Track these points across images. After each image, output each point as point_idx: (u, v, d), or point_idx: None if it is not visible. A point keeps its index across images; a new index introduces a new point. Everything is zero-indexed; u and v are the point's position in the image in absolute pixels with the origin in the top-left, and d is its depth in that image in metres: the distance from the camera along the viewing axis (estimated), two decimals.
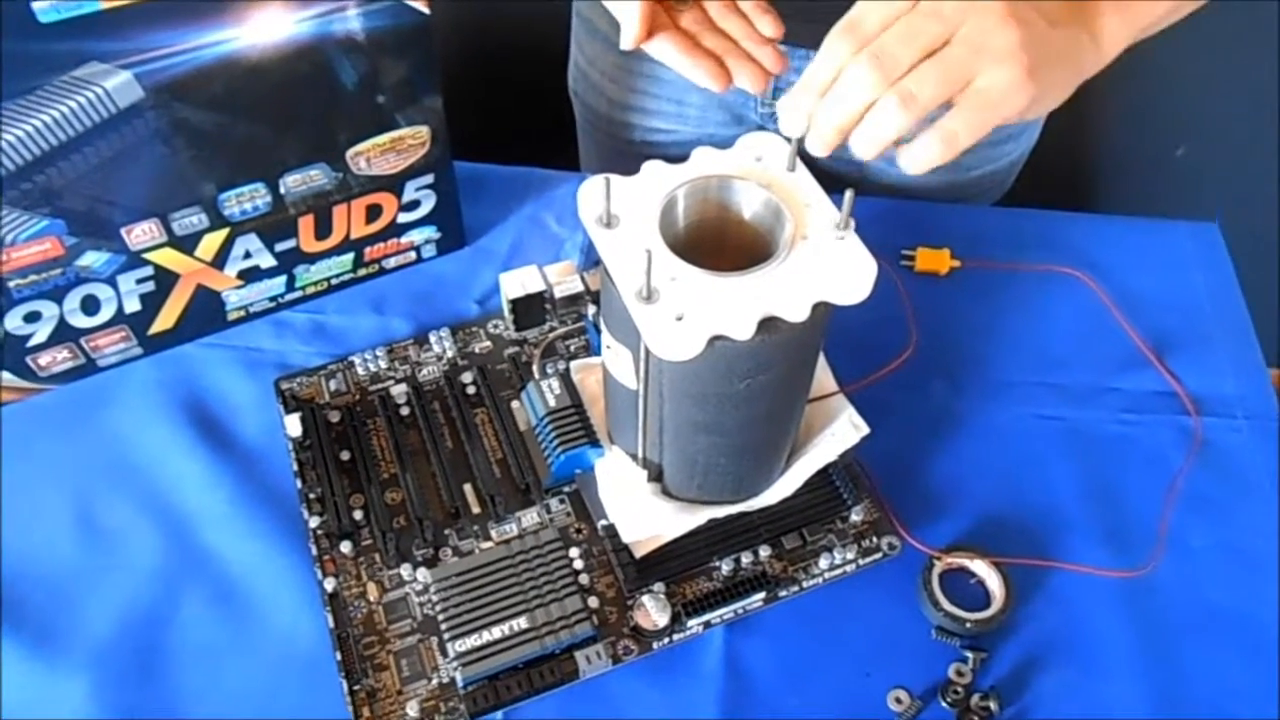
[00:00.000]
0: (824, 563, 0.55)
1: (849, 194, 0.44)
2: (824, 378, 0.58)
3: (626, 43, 0.50)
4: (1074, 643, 0.54)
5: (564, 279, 0.63)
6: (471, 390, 0.61)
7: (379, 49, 0.55)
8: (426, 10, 0.54)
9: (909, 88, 0.42)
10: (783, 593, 0.54)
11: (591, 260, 0.68)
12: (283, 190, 0.58)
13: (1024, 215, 0.74)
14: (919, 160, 0.44)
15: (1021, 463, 0.60)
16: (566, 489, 0.57)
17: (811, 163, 0.47)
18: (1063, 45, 0.45)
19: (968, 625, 0.53)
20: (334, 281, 0.66)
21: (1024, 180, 0.85)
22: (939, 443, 0.61)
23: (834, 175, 0.46)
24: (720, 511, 0.54)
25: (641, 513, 0.54)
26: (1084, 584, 0.56)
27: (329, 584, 0.53)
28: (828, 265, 0.44)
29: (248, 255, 0.61)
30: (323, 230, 0.62)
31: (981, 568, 0.55)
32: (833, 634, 0.54)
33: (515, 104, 1.17)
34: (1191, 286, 0.70)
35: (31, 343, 0.58)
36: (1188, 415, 0.63)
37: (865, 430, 0.55)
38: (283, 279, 0.64)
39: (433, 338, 0.63)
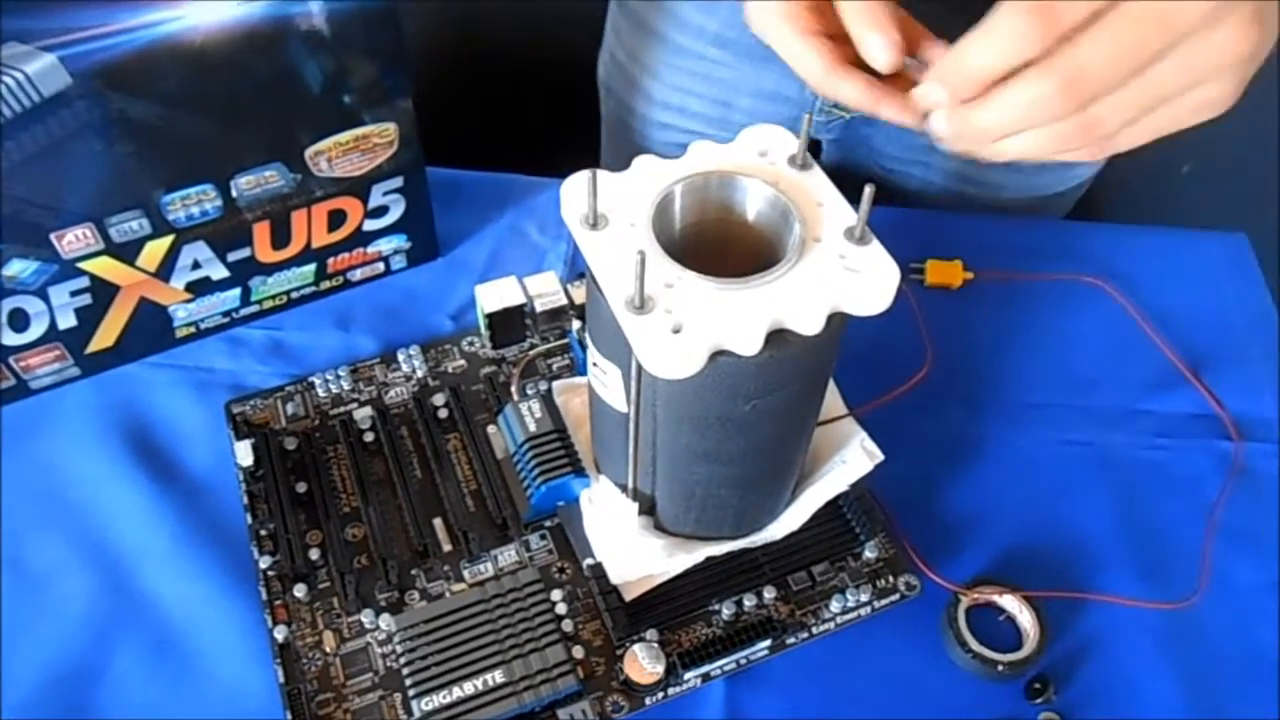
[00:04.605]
0: (835, 606, 0.49)
1: (868, 190, 0.39)
2: (831, 399, 0.53)
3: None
4: (1114, 688, 0.49)
5: (546, 292, 0.58)
6: (443, 414, 0.56)
7: (341, 35, 0.50)
8: None
9: (1101, 117, 0.33)
10: (790, 640, 0.49)
11: (576, 272, 0.63)
12: (235, 193, 0.53)
13: (1039, 225, 0.70)
14: (1048, 154, 0.35)
15: (1048, 491, 0.56)
16: (548, 524, 0.52)
17: (821, 158, 0.43)
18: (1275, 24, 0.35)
19: (1000, 668, 0.48)
20: (294, 295, 0.60)
21: None
22: (957, 470, 0.56)
23: (847, 175, 0.41)
24: (720, 548, 0.49)
25: (632, 550, 0.48)
26: (1122, 620, 0.51)
27: (280, 633, 0.48)
28: (844, 271, 0.39)
29: (196, 265, 0.55)
30: (280, 238, 0.57)
31: (1011, 603, 0.50)
32: (847, 685, 0.49)
33: (497, 107, 1.12)
34: (1221, 300, 0.65)
35: None
36: (1226, 440, 0.58)
37: (879, 457, 0.50)
38: (236, 292, 0.58)
39: (401, 356, 0.58)
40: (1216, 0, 0.32)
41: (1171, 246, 0.68)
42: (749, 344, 0.37)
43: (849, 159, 0.40)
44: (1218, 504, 0.55)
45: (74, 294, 0.53)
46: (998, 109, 0.34)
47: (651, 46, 0.72)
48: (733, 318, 0.37)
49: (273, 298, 0.60)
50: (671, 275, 0.38)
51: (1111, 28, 0.32)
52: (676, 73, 0.72)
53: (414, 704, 0.44)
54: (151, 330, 0.57)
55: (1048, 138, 0.34)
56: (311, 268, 0.59)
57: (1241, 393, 0.60)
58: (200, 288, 0.56)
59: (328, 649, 0.48)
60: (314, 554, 0.50)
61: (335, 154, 0.54)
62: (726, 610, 0.49)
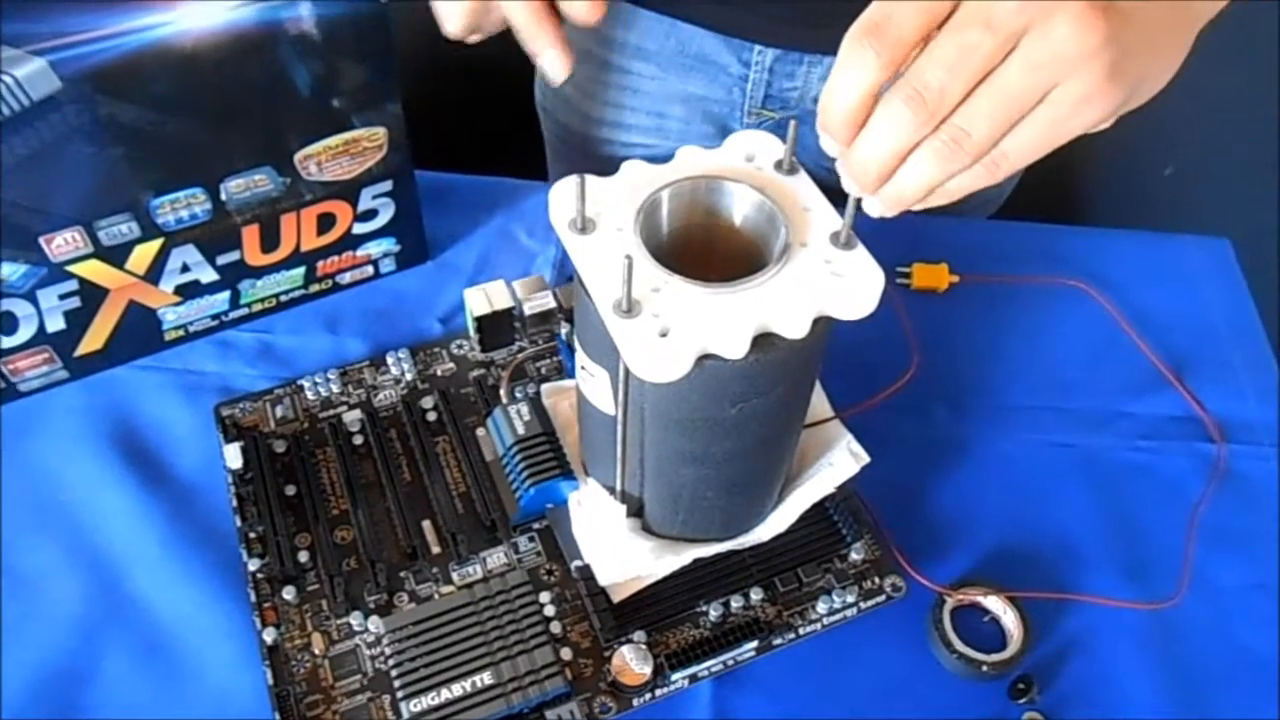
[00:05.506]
0: (822, 607, 0.50)
1: (853, 197, 0.39)
2: (818, 402, 0.53)
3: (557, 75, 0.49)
4: (1097, 688, 0.50)
5: (534, 295, 0.58)
6: (432, 417, 0.56)
7: (331, 40, 0.50)
8: None
9: (965, 128, 0.34)
10: (777, 641, 0.49)
11: (565, 275, 0.63)
12: (224, 196, 0.53)
13: (1025, 229, 0.70)
14: (951, 190, 0.36)
15: (1032, 493, 0.56)
16: (537, 526, 0.52)
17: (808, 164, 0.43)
18: (1163, 12, 0.36)
19: (984, 669, 0.48)
20: (283, 298, 0.61)
21: (1008, 203, 0.82)
22: (943, 472, 0.57)
23: (821, 182, 0.42)
24: (707, 550, 0.50)
25: (620, 552, 0.49)
26: (1105, 621, 0.51)
27: (269, 635, 0.48)
28: (829, 276, 0.39)
29: (186, 269, 0.55)
30: (270, 241, 0.57)
31: (996, 604, 0.50)
32: (833, 686, 0.49)
33: (486, 110, 1.12)
34: (1204, 304, 0.66)
35: None
36: (1208, 442, 0.58)
37: (866, 459, 0.50)
38: (226, 295, 0.58)
39: (390, 359, 0.58)
40: None
41: (1154, 250, 0.69)
42: (735, 347, 0.37)
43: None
44: (1199, 506, 0.56)
45: (63, 297, 0.53)
46: (867, 137, 0.35)
47: (579, 65, 0.73)
48: (719, 321, 0.37)
49: (262, 301, 0.60)
50: (658, 279, 0.39)
51: (941, 38, 0.34)
52: (607, 89, 0.73)
53: (402, 706, 0.44)
54: (140, 333, 0.57)
55: (931, 162, 0.35)
56: (301, 271, 0.60)
57: (1223, 395, 0.61)
58: (189, 291, 0.57)
59: (316, 651, 0.48)
60: (303, 556, 0.50)
61: (325, 157, 0.54)
62: (714, 612, 0.49)
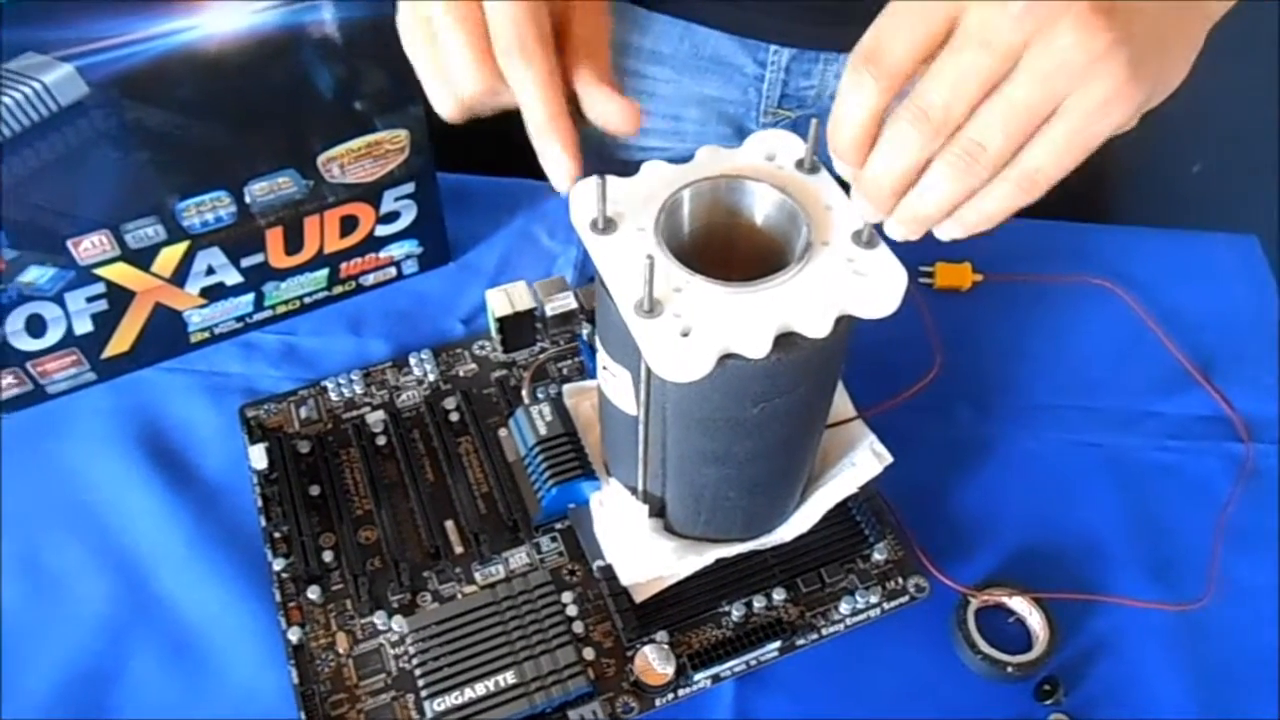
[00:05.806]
0: (845, 607, 0.50)
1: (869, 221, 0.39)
2: (840, 402, 0.53)
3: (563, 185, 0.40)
4: (1124, 689, 0.49)
5: (556, 296, 0.58)
6: (455, 417, 0.56)
7: (353, 43, 0.50)
8: None
9: (979, 141, 0.34)
10: (800, 641, 0.49)
11: (586, 276, 0.64)
12: (248, 199, 0.53)
13: (1049, 227, 0.69)
14: (988, 212, 0.36)
15: (1057, 493, 0.56)
16: (559, 526, 0.52)
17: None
18: (1170, 10, 0.35)
19: (1009, 670, 0.48)
20: (306, 300, 0.61)
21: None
22: (967, 472, 0.56)
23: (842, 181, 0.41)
24: (729, 550, 0.49)
25: (642, 552, 0.49)
26: (1132, 622, 0.51)
27: (293, 634, 0.48)
28: (851, 275, 0.39)
29: (211, 271, 0.56)
30: (293, 244, 0.57)
31: (1021, 604, 0.50)
32: (856, 687, 0.49)
33: (507, 112, 1.13)
34: (1232, 302, 0.65)
35: None
36: (1236, 441, 0.58)
37: (889, 459, 0.50)
38: (250, 297, 0.59)
39: (413, 360, 0.58)
40: (1027, 5, 0.32)
41: (1181, 248, 0.68)
42: (757, 347, 0.37)
43: None
44: (1227, 506, 0.55)
45: (90, 300, 0.53)
46: (877, 157, 0.36)
47: None
48: (741, 321, 0.37)
49: (286, 303, 0.60)
50: (680, 279, 0.39)
51: (940, 60, 0.34)
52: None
53: (426, 705, 0.45)
54: (166, 335, 0.58)
55: (947, 177, 0.35)
56: (324, 273, 0.60)
57: (1251, 395, 0.60)
58: (214, 293, 0.57)
59: (341, 650, 0.48)
60: (327, 556, 0.51)
61: (347, 160, 0.55)
62: (736, 612, 0.49)
